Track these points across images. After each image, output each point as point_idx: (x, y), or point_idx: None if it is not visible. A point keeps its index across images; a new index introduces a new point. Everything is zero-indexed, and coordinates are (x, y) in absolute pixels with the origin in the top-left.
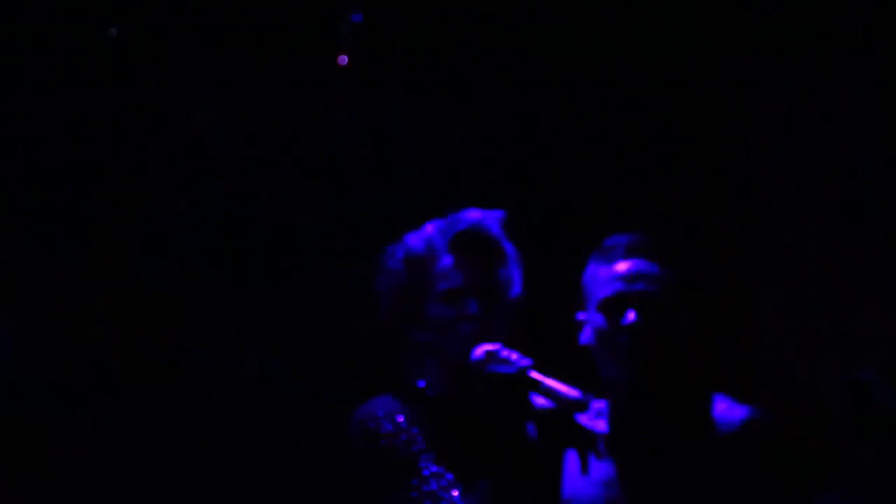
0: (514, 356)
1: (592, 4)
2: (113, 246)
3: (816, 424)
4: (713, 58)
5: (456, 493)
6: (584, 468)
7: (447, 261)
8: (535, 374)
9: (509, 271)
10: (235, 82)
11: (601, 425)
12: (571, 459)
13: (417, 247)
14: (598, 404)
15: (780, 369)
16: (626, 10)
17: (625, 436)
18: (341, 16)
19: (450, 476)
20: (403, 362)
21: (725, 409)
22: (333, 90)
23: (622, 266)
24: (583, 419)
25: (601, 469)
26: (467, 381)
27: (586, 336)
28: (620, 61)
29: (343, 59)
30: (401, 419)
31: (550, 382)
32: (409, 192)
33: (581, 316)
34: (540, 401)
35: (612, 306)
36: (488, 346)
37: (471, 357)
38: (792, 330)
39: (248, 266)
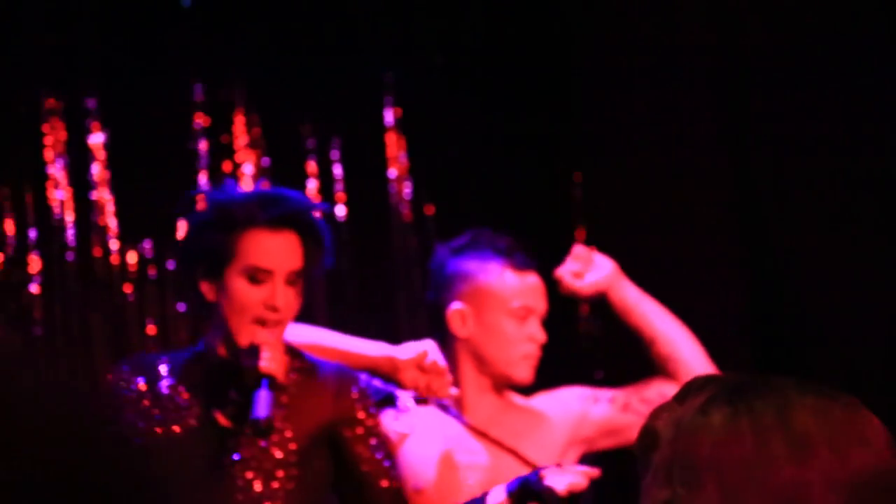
0: (266, 358)
1: None
2: None
3: None
4: None
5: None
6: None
7: (263, 237)
8: (263, 388)
9: (322, 267)
10: None
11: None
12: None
13: (235, 208)
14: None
15: None
16: None
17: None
18: None
19: (139, 425)
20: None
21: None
22: None
23: (533, 280)
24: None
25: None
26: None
27: (473, 330)
28: None
29: None
30: (125, 368)
31: (262, 396)
32: None
33: (461, 307)
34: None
35: (522, 315)
36: (262, 342)
37: (243, 346)
38: None
39: None
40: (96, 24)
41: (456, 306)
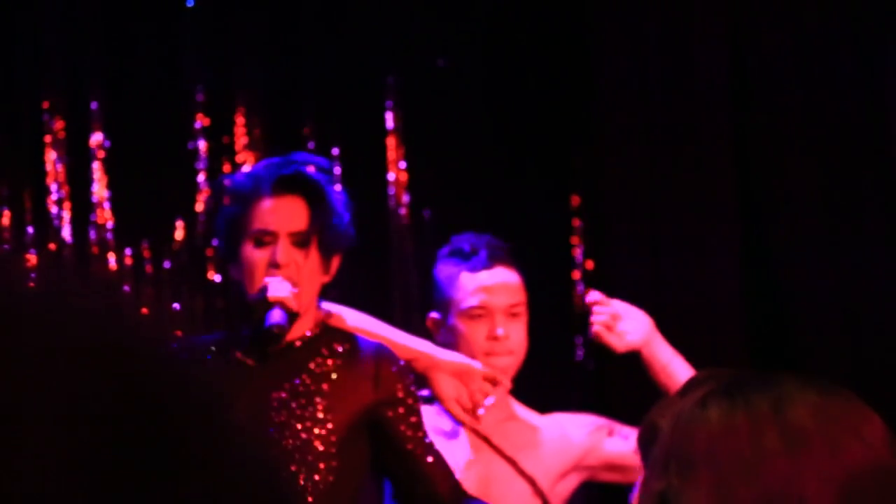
0: (274, 289)
1: None
2: None
3: None
4: None
5: None
6: None
7: (267, 203)
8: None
9: (332, 221)
10: None
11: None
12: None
13: (244, 183)
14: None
15: None
16: None
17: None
18: None
19: None
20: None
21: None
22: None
23: (486, 276)
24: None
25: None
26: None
27: (444, 336)
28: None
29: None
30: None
31: (273, 312)
32: None
33: (436, 315)
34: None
35: (477, 315)
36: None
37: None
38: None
39: None
40: (98, 23)
41: (431, 315)
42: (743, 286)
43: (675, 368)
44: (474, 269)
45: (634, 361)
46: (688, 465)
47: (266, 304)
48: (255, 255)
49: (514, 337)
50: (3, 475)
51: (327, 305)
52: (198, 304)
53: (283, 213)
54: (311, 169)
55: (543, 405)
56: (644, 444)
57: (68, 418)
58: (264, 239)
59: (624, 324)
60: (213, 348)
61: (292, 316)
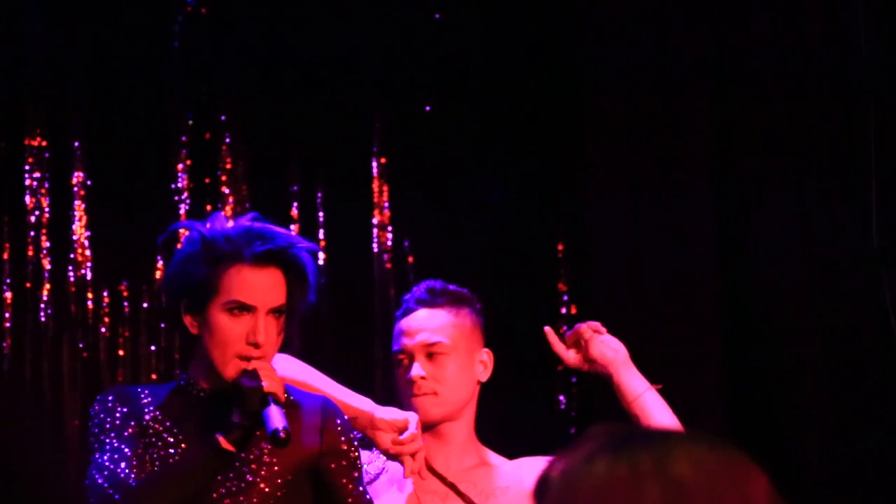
0: (266, 378)
1: None
2: None
3: None
4: None
5: (123, 465)
6: None
7: (246, 273)
8: (271, 401)
9: (305, 303)
10: None
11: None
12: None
13: (221, 243)
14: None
15: None
16: None
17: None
18: None
19: (126, 451)
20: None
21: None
22: None
23: (406, 321)
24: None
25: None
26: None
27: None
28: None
29: None
30: (110, 397)
31: (273, 411)
32: None
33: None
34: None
35: (399, 360)
36: (250, 368)
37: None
38: None
39: None
40: (82, 61)
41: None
42: (721, 306)
43: (647, 401)
44: (401, 316)
45: (616, 406)
46: None
47: (262, 395)
48: (231, 327)
49: (437, 377)
50: None
51: None
52: (175, 345)
53: (264, 288)
54: (292, 244)
55: (523, 452)
56: (537, 498)
57: None
58: (241, 311)
59: (600, 339)
60: (152, 401)
61: (282, 406)
